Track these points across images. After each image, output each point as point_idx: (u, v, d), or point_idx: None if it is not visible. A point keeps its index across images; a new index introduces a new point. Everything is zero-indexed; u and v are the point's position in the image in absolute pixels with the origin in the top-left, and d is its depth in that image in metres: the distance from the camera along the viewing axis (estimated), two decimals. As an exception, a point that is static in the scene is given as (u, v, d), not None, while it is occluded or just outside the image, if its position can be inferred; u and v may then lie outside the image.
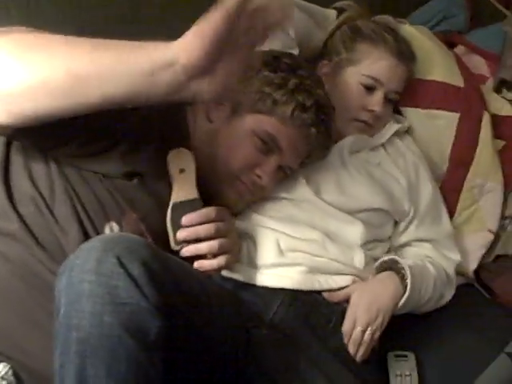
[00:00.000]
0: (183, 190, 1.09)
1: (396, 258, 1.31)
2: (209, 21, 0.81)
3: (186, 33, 0.83)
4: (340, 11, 1.53)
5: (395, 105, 1.51)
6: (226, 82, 0.84)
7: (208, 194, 1.22)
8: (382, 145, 1.47)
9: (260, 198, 1.27)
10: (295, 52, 1.39)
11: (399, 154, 1.47)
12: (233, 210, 1.25)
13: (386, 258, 1.32)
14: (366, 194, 1.34)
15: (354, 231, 1.30)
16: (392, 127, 1.48)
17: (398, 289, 1.26)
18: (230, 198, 1.22)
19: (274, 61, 1.22)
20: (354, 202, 1.33)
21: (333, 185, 1.34)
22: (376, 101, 1.40)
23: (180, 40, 0.83)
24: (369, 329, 1.22)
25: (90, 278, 0.80)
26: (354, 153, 1.41)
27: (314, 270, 1.24)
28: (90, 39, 0.86)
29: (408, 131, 1.54)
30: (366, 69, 1.41)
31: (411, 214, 1.41)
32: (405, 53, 1.44)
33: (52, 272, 0.93)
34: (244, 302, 1.18)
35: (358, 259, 1.28)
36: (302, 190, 1.31)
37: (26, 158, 1.02)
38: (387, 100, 1.43)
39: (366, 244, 1.32)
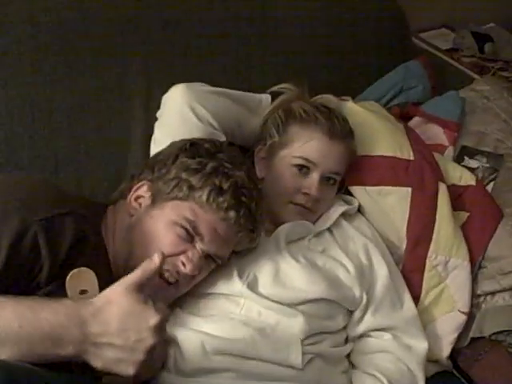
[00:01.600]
0: None
1: None
2: None
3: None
4: (277, 95, 1.48)
5: (342, 185, 1.42)
6: None
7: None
8: (329, 229, 1.37)
9: (186, 290, 1.18)
10: (222, 140, 1.33)
11: (347, 237, 1.37)
12: None
13: None
14: (305, 285, 1.23)
15: (295, 324, 1.19)
16: (338, 210, 1.39)
17: None
18: None
19: (193, 147, 1.19)
20: (292, 293, 1.22)
21: (269, 276, 1.23)
22: (310, 183, 1.32)
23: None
24: None
25: None
26: (294, 241, 1.31)
27: (244, 376, 1.12)
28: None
29: (360, 212, 1.44)
30: (297, 150, 1.34)
31: (364, 301, 1.29)
32: (338, 130, 1.36)
33: None
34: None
35: (294, 356, 1.15)
36: (235, 284, 1.21)
37: None
38: (326, 181, 1.35)
39: (311, 337, 1.20)
